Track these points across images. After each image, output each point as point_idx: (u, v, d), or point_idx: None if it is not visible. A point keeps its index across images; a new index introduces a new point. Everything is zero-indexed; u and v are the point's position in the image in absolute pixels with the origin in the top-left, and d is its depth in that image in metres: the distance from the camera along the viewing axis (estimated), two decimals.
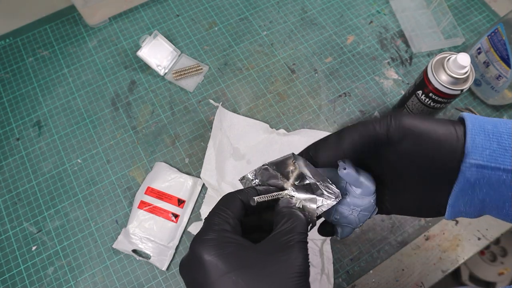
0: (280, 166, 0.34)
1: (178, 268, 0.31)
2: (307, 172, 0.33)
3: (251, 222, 0.34)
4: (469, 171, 0.29)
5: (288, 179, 0.34)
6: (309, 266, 0.29)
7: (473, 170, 0.29)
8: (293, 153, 0.34)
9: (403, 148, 0.31)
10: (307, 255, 0.29)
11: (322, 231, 0.38)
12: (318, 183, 0.32)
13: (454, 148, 0.29)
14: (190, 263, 0.29)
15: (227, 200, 0.32)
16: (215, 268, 0.27)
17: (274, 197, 0.33)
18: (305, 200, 0.33)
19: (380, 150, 0.32)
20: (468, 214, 0.31)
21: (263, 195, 0.32)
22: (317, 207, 0.32)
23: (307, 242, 0.29)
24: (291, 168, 0.33)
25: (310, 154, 0.34)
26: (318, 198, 0.32)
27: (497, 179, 0.28)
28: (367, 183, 0.33)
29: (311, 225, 0.32)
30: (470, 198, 0.30)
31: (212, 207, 0.32)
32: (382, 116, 0.33)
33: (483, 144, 0.29)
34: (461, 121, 0.31)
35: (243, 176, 0.36)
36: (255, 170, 0.35)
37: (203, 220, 0.32)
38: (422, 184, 0.32)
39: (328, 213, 0.35)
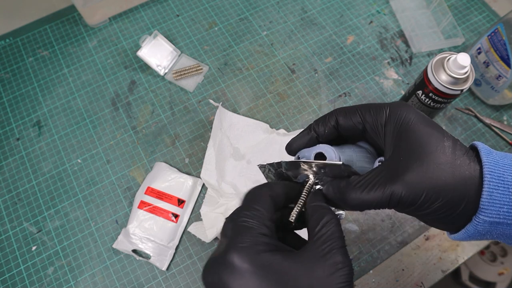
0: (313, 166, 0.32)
1: (203, 274, 0.27)
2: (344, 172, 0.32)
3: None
4: (482, 226, 0.27)
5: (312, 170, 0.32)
6: (353, 270, 0.27)
7: (486, 225, 0.27)
8: (343, 163, 0.31)
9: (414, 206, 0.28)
10: (349, 261, 0.27)
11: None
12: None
13: (468, 200, 0.27)
14: (222, 273, 0.26)
15: (256, 197, 0.29)
16: (253, 280, 0.25)
17: (304, 201, 0.31)
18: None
19: None
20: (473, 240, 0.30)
21: (296, 209, 0.31)
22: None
23: (346, 246, 0.28)
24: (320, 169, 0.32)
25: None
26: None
27: (511, 232, 0.27)
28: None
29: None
30: (478, 239, 0.29)
31: (240, 206, 0.29)
32: (384, 172, 0.28)
33: (501, 199, 0.26)
34: (474, 149, 0.29)
35: (272, 164, 0.34)
36: (285, 162, 0.33)
37: (227, 220, 0.29)
38: (427, 221, 0.31)
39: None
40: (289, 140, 0.35)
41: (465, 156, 0.28)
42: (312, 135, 0.34)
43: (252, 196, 0.29)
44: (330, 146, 0.32)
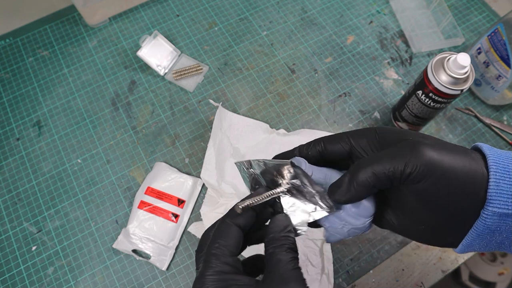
0: (276, 168, 0.33)
1: None
2: (304, 180, 0.31)
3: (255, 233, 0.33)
4: (491, 219, 0.27)
5: (284, 178, 0.32)
6: None
7: (495, 218, 0.26)
8: (291, 161, 0.32)
9: (420, 187, 0.28)
10: (304, 281, 0.28)
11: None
12: (314, 191, 0.31)
13: (476, 191, 0.27)
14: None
15: (222, 231, 0.30)
16: None
17: (263, 200, 0.31)
18: (298, 204, 0.31)
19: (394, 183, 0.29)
20: (482, 251, 0.29)
21: (249, 200, 0.30)
22: (309, 214, 0.31)
23: (299, 268, 0.29)
24: (287, 173, 0.32)
25: (318, 150, 0.33)
26: (311, 205, 0.31)
27: None
28: (366, 205, 0.31)
29: (299, 231, 0.31)
30: (488, 241, 0.28)
31: (210, 238, 0.30)
32: (399, 147, 0.28)
33: (508, 190, 0.26)
34: (479, 151, 0.29)
35: (242, 162, 0.35)
36: (254, 161, 0.34)
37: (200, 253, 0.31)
38: (435, 220, 0.29)
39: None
40: (287, 141, 0.35)
41: (468, 149, 0.28)
42: (294, 154, 0.34)
43: (218, 230, 0.31)
44: (306, 161, 0.32)
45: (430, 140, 0.29)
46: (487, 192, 0.27)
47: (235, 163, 0.35)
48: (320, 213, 0.31)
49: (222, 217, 0.31)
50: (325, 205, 0.31)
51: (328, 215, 0.31)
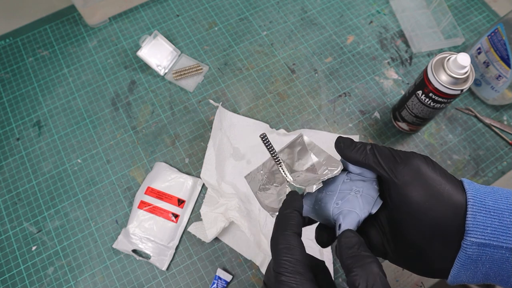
0: (290, 146, 0.38)
1: None
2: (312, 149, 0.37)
3: None
4: (470, 249, 0.29)
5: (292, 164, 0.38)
6: None
7: (475, 248, 0.29)
8: (301, 134, 0.38)
9: (412, 201, 0.30)
10: None
11: (320, 238, 0.36)
12: (320, 161, 0.36)
13: (457, 221, 0.29)
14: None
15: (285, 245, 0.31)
16: None
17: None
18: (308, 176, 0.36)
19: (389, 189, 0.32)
20: (471, 282, 0.31)
21: (282, 170, 0.37)
22: (322, 176, 0.35)
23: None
24: (298, 148, 0.37)
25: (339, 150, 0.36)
26: (321, 171, 0.36)
27: (500, 257, 0.28)
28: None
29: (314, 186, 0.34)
30: (473, 272, 0.30)
31: (275, 238, 0.31)
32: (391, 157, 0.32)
33: (484, 222, 0.29)
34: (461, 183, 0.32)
35: (251, 172, 0.39)
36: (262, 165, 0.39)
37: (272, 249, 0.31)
38: (424, 246, 0.31)
39: (328, 203, 0.34)
40: (337, 138, 0.36)
41: (454, 180, 0.31)
42: (366, 154, 0.34)
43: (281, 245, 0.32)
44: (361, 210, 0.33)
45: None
46: (465, 225, 0.29)
47: (246, 178, 0.39)
48: (331, 173, 0.35)
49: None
50: (333, 166, 0.35)
51: (335, 192, 0.35)
